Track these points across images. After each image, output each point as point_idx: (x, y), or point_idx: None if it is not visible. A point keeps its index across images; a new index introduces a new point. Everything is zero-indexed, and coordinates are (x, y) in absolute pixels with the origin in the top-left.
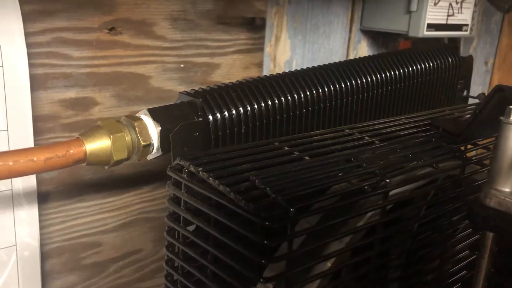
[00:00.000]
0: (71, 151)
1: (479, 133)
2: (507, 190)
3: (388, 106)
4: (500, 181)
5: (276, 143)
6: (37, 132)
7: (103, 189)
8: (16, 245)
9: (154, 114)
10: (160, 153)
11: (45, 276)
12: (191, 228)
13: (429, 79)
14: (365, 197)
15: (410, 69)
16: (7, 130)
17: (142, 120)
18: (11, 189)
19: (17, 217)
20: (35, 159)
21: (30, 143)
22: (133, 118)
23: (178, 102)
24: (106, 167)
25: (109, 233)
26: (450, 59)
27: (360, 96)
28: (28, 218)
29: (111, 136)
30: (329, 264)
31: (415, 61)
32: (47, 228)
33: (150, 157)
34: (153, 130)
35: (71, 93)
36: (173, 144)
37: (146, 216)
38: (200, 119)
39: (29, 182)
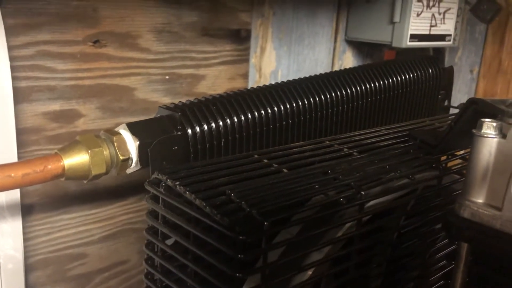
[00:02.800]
0: (49, 167)
1: (455, 144)
2: (480, 201)
3: (370, 117)
4: (474, 192)
5: (256, 156)
6: (21, 144)
7: (87, 200)
8: None
9: (133, 128)
10: (139, 167)
11: None
12: (170, 241)
13: (410, 90)
14: (340, 209)
15: (391, 80)
16: None
17: (120, 134)
18: None
19: (0, 230)
20: (12, 174)
21: (14, 156)
22: (111, 133)
23: (158, 116)
24: (85, 182)
25: (94, 244)
26: (430, 70)
27: (341, 108)
28: (11, 230)
29: (89, 151)
30: (310, 272)
31: (395, 73)
32: (32, 240)
33: (129, 171)
34: (132, 145)
35: (56, 106)
36: (152, 158)
37: (131, 227)
38: (179, 133)
39: (13, 195)
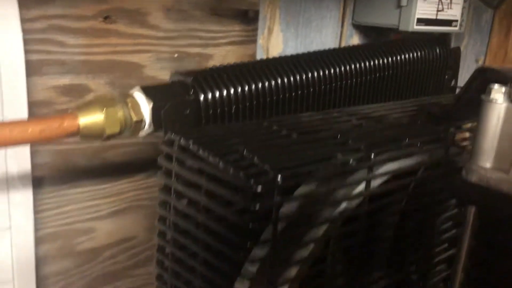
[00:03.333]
0: (65, 124)
1: (464, 115)
2: (488, 166)
3: (377, 93)
4: (481, 157)
5: (265, 123)
6: (32, 117)
7: (96, 175)
8: (10, 228)
9: (147, 91)
10: (151, 129)
11: (39, 261)
12: (182, 203)
13: (417, 68)
14: (350, 170)
15: (398, 57)
16: (2, 115)
17: (135, 96)
18: (6, 171)
19: (12, 200)
20: (30, 130)
21: None
22: (126, 95)
23: (171, 81)
24: (98, 142)
25: (103, 219)
26: (438, 49)
27: (349, 81)
28: (22, 201)
29: (104, 110)
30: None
31: (403, 50)
32: (41, 213)
33: (142, 133)
34: (145, 107)
35: (66, 80)
36: (165, 120)
37: (139, 203)
38: (191, 97)
39: (24, 165)
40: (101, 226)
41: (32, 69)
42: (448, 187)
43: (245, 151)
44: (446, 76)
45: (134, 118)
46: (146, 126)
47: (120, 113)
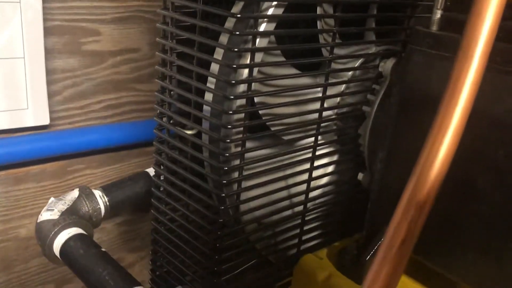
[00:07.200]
0: None
1: None
2: None
3: None
4: None
5: None
6: None
7: None
8: (20, 2)
9: None
10: None
11: (47, 53)
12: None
13: None
14: None
15: None
16: None
17: None
18: None
19: None
20: None
21: None
22: None
23: None
24: None
25: (107, 24)
26: None
27: None
28: None
29: None
30: None
31: None
32: (48, 3)
33: None
34: None
35: None
36: None
37: (143, 15)
38: None
39: None
40: (106, 30)
41: None
42: None
43: None
44: None
45: None
46: None
47: None
